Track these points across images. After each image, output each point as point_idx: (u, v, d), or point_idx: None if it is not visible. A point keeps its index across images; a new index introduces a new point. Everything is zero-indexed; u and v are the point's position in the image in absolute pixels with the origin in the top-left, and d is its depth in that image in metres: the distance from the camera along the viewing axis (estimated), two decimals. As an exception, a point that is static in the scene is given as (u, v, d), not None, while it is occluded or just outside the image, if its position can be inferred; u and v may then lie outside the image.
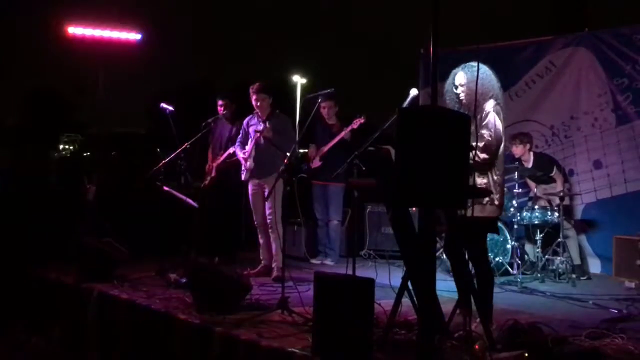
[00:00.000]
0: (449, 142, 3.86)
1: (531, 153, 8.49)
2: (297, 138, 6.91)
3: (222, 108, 8.33)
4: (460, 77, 5.11)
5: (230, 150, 7.89)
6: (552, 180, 8.36)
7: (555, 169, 8.44)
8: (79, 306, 6.59)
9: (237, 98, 8.37)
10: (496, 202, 5.06)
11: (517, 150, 8.43)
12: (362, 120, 8.46)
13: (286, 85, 30.98)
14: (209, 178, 8.34)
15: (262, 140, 7.38)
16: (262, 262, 7.69)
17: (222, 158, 8.12)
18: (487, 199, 4.99)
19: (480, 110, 4.98)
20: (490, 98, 5.02)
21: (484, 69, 5.00)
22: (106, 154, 12.97)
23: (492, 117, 4.98)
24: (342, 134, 8.59)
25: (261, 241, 7.69)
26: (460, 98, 5.09)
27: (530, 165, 8.41)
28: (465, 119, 4.05)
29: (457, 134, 3.88)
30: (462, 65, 5.16)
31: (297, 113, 8.06)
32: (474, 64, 4.99)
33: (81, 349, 6.45)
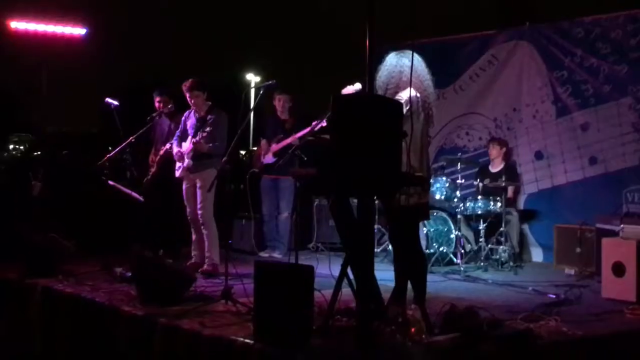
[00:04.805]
0: (383, 129, 3.95)
1: (504, 162, 8.77)
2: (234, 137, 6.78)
3: (160, 104, 8.28)
4: None
5: (167, 146, 7.83)
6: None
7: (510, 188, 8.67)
8: (23, 302, 6.54)
9: (176, 95, 8.31)
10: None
11: (493, 151, 8.84)
12: (323, 124, 8.22)
13: (240, 84, 30.79)
14: (151, 173, 8.27)
15: (198, 140, 7.33)
16: (193, 258, 7.59)
17: (161, 153, 8.06)
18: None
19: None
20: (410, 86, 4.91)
21: (407, 60, 5.02)
22: (54, 151, 12.81)
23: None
24: (301, 133, 8.27)
25: (193, 237, 7.61)
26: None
27: (495, 171, 8.71)
28: (397, 105, 4.13)
29: (389, 120, 3.96)
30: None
31: (251, 111, 8.07)
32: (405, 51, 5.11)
33: (24, 343, 6.40)
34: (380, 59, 5.14)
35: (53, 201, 8.94)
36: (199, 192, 7.32)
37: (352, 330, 4.61)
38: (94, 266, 7.27)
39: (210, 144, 7.27)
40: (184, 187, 7.56)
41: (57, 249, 7.08)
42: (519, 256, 8.46)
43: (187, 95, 7.43)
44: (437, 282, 7.03)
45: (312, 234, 9.57)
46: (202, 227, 7.38)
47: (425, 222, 7.94)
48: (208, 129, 7.32)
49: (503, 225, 7.99)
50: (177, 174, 7.56)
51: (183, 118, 7.67)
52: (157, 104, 8.30)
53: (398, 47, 5.31)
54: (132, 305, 5.58)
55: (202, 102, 7.47)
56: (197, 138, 7.28)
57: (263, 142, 9.04)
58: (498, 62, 9.43)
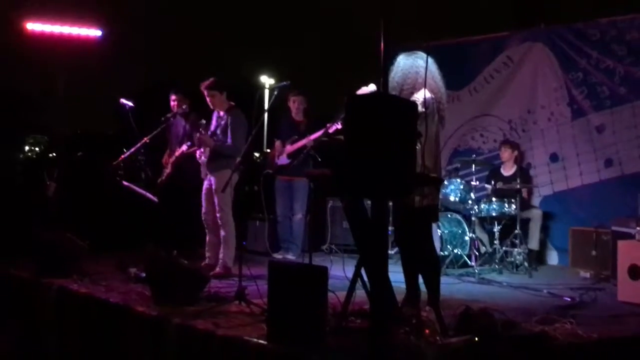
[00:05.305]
0: (397, 129, 3.92)
1: (515, 165, 8.69)
2: (249, 138, 6.74)
3: (175, 104, 8.32)
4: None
5: (184, 147, 7.87)
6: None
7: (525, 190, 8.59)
8: (38, 301, 6.57)
9: (192, 94, 8.33)
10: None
11: (505, 154, 8.77)
12: (338, 126, 8.12)
13: (254, 86, 30.76)
14: (165, 174, 8.33)
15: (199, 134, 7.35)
16: (207, 259, 7.55)
17: (176, 154, 8.12)
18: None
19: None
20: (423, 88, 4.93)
21: (422, 61, 5.04)
22: (69, 152, 12.88)
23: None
24: (315, 135, 8.10)
25: (207, 238, 7.59)
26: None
27: (508, 174, 8.64)
28: (412, 105, 4.11)
29: (404, 121, 3.94)
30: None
31: (265, 114, 8.01)
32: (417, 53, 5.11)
33: (39, 343, 6.42)
34: (391, 61, 5.13)
35: (68, 201, 8.99)
36: (215, 193, 7.33)
37: (365, 331, 4.60)
38: (109, 266, 7.31)
39: (219, 142, 7.29)
40: (204, 186, 7.56)
41: (71, 249, 7.10)
42: (539, 255, 8.41)
43: (205, 93, 7.45)
44: (451, 285, 7.02)
45: (326, 235, 9.56)
46: (220, 228, 7.36)
47: (440, 224, 7.93)
48: (219, 130, 7.36)
49: (518, 227, 7.95)
50: (202, 174, 7.58)
51: (212, 117, 7.67)
52: (172, 103, 8.34)
53: (411, 48, 5.30)
54: (146, 306, 5.60)
55: (220, 101, 7.45)
56: (198, 134, 7.32)
57: (277, 143, 9.03)
58: (513, 63, 9.41)
